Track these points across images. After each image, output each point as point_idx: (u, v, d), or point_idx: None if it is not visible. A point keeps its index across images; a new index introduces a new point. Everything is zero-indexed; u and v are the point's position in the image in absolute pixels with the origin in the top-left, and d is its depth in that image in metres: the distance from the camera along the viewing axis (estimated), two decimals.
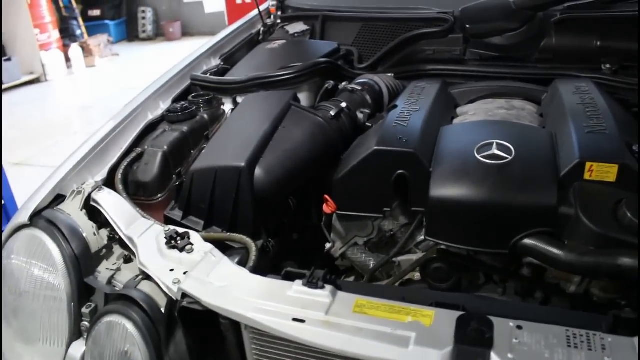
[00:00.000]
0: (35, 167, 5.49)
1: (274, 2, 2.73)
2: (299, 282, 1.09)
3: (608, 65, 2.03)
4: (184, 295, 1.15)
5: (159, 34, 11.36)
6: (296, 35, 2.46)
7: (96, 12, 10.70)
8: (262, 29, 2.60)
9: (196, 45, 2.42)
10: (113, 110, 1.89)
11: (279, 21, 2.67)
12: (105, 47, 10.03)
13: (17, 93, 8.32)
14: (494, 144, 1.39)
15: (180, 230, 1.35)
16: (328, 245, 1.59)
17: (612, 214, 1.25)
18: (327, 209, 1.51)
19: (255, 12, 2.65)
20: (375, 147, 1.44)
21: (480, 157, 1.36)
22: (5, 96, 7.86)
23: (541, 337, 0.93)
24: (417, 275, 1.48)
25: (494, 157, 1.36)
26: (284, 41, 2.37)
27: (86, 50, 9.61)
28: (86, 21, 10.33)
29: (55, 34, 9.27)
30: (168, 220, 1.53)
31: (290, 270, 1.15)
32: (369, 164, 1.45)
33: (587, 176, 1.31)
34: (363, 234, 1.54)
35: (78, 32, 9.98)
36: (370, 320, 0.99)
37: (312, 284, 1.07)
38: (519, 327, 0.96)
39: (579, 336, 0.93)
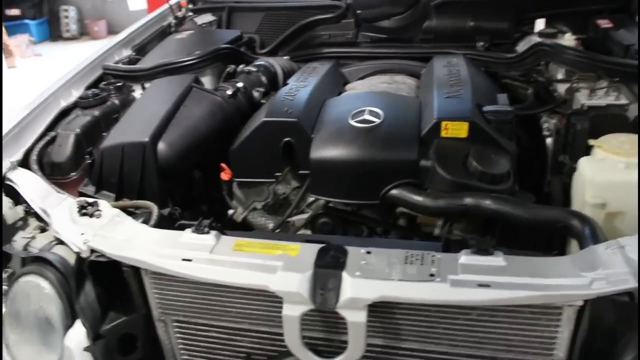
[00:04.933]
0: None
1: None
2: (188, 230, 1.26)
3: (481, 43, 2.30)
4: (92, 251, 1.30)
5: (84, 32, 11.11)
6: (204, 25, 2.61)
7: (15, 12, 10.37)
8: (173, 21, 2.74)
9: None
10: None
11: (190, 13, 2.82)
12: (27, 47, 9.76)
13: None
14: (366, 111, 1.60)
15: (90, 199, 1.49)
16: (230, 212, 1.77)
17: (462, 163, 1.48)
18: (224, 175, 1.68)
19: (166, 5, 2.79)
20: (264, 119, 1.63)
21: (353, 122, 1.57)
22: None
23: (384, 258, 1.14)
24: (309, 232, 1.68)
25: (364, 121, 1.56)
26: (191, 31, 2.52)
27: (6, 51, 9.33)
28: (5, 21, 10.01)
29: None
30: (82, 195, 1.65)
31: (183, 222, 1.32)
32: (260, 134, 1.63)
33: (443, 134, 1.54)
34: (260, 198, 1.72)
35: None
36: (246, 256, 1.17)
37: (199, 230, 1.24)
38: (369, 252, 1.16)
39: (415, 255, 1.14)
